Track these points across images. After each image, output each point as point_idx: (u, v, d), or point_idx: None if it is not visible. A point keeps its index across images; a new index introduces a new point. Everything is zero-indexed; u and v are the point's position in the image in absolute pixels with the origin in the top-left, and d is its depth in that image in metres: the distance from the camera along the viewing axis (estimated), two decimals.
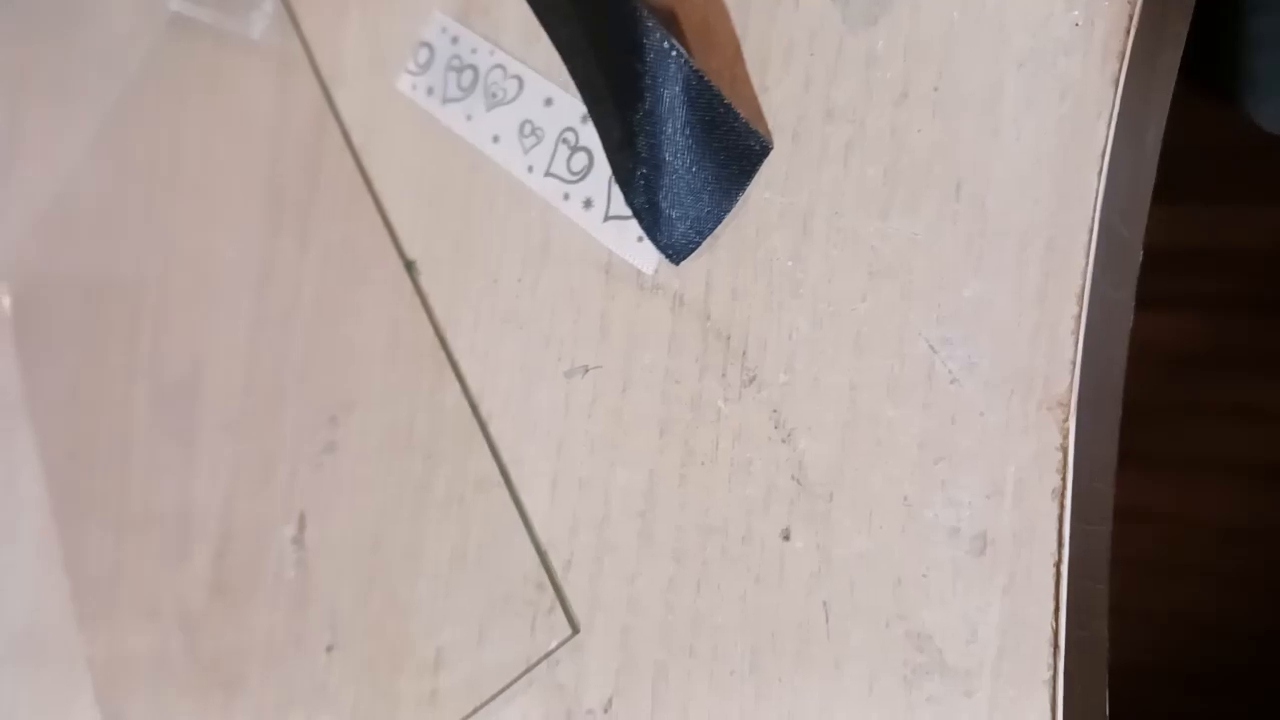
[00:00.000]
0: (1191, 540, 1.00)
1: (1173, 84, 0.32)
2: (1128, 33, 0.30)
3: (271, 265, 0.50)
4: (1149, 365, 1.02)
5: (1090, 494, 0.30)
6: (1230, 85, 0.57)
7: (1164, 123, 0.32)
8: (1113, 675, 0.31)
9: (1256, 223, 0.99)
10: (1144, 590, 0.98)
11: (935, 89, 0.33)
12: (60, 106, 0.63)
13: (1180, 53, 0.31)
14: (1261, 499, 0.97)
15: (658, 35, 0.35)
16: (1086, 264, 0.30)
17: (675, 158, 0.36)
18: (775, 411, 0.34)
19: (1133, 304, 0.32)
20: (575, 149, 0.40)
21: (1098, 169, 0.30)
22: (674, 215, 0.36)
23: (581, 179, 0.40)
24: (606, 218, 0.39)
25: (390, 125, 0.46)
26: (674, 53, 0.35)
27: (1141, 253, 0.32)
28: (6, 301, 0.63)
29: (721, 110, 0.35)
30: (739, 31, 0.37)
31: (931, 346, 0.32)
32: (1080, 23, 0.30)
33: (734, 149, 0.36)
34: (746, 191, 0.36)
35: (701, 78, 0.35)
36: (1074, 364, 0.29)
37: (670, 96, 0.35)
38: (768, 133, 0.36)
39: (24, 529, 0.59)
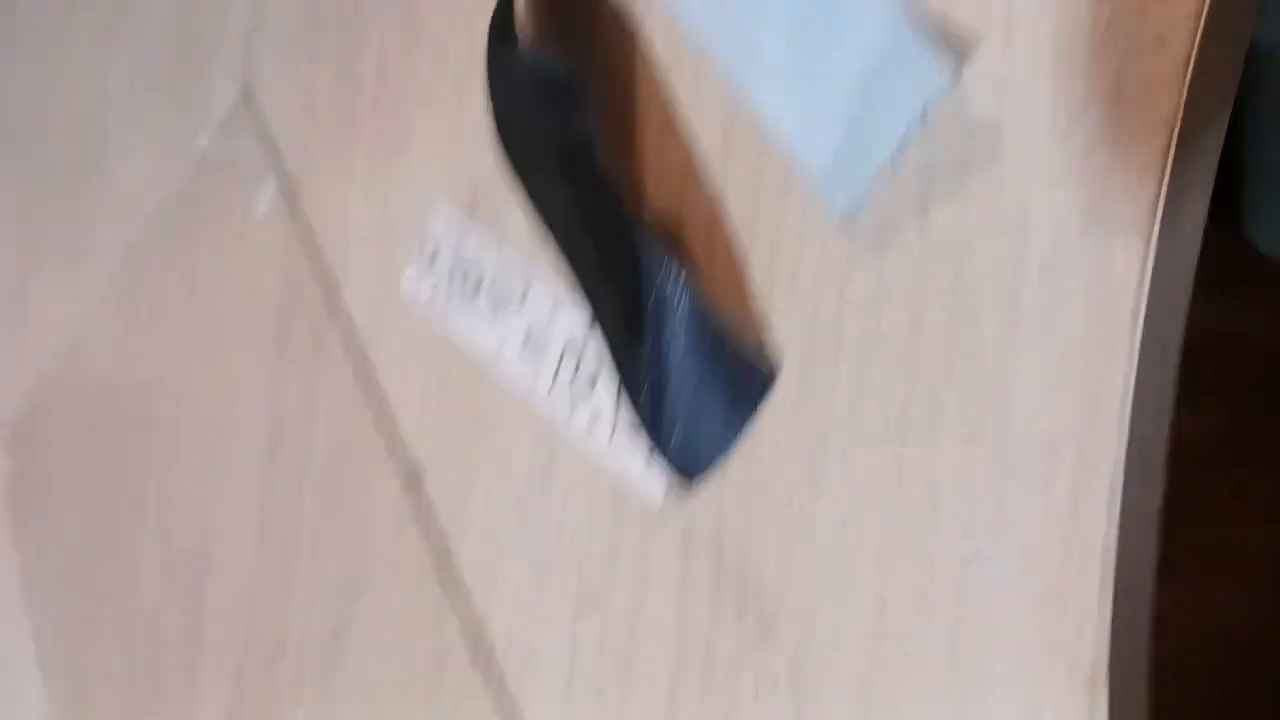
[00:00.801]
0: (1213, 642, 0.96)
1: (1192, 276, 0.29)
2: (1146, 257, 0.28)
3: (279, 442, 0.48)
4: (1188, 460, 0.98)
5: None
6: (1227, 209, 0.56)
7: (1183, 324, 0.29)
8: None
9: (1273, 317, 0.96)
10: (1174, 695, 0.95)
11: (949, 312, 0.30)
12: (69, 267, 0.62)
13: (1196, 254, 0.29)
14: None
15: (662, 262, 0.33)
16: (1117, 479, 0.27)
17: (681, 385, 0.34)
18: (797, 664, 0.32)
19: (1160, 498, 0.29)
20: (581, 361, 0.38)
21: (1125, 384, 0.27)
22: (681, 442, 0.34)
23: (587, 394, 0.38)
24: (613, 436, 0.37)
25: (396, 320, 0.45)
26: (678, 279, 0.33)
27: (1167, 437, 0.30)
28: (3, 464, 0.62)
29: (726, 338, 0.33)
30: (745, 246, 0.35)
31: (962, 562, 0.29)
32: (1100, 243, 0.28)
33: (740, 376, 0.34)
34: (757, 416, 0.34)
35: (705, 307, 0.33)
36: (1104, 584, 0.27)
37: (675, 324, 0.34)
38: (776, 356, 0.33)
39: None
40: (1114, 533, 0.28)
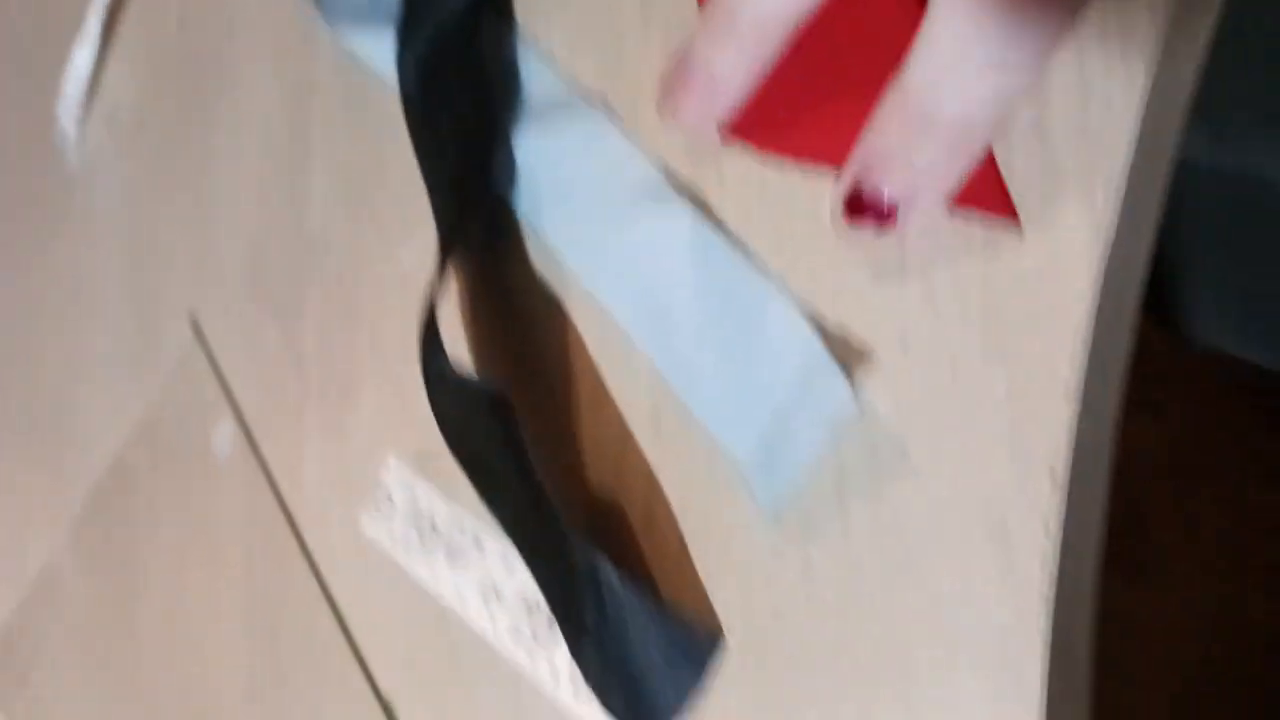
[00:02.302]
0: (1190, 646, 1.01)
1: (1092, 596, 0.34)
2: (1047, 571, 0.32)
3: (254, 699, 0.51)
4: (1141, 471, 1.03)
5: None
6: (1160, 311, 0.59)
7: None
8: None
9: None
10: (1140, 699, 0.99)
11: (873, 604, 0.34)
12: (24, 516, 0.63)
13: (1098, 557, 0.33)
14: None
15: (596, 560, 0.37)
16: None
17: (627, 660, 0.38)
18: None
19: None
20: (537, 614, 0.42)
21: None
22: (633, 711, 0.38)
23: (548, 648, 0.42)
24: (576, 691, 0.41)
25: (358, 567, 0.48)
26: (613, 576, 0.37)
27: None
28: None
29: (667, 616, 0.37)
30: (681, 525, 0.39)
31: None
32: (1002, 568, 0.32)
33: (684, 650, 0.37)
34: (704, 687, 0.37)
35: (645, 597, 0.37)
36: None
37: (613, 610, 0.37)
38: (718, 626, 0.37)
39: None
40: None
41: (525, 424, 0.39)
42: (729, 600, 0.38)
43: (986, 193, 0.32)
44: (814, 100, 0.35)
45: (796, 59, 0.34)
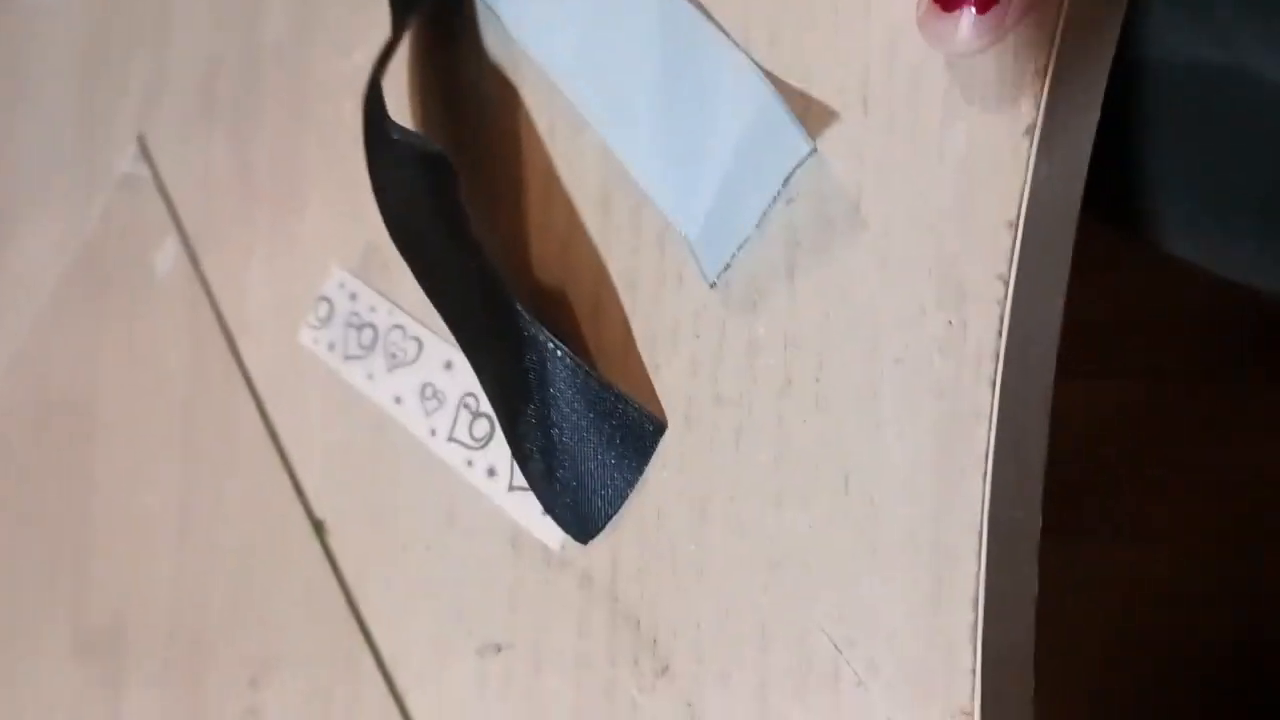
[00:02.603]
0: (1148, 609, 1.00)
1: (1054, 363, 0.32)
2: (1000, 334, 0.30)
3: (189, 515, 0.49)
4: (1092, 434, 1.02)
5: None
6: (1129, 219, 0.57)
7: (1050, 397, 0.32)
8: None
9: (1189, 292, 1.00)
10: (1107, 663, 0.98)
11: (817, 380, 0.33)
12: None
13: (1055, 344, 0.31)
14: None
15: (539, 335, 0.35)
16: (979, 567, 0.30)
17: (569, 443, 0.36)
18: (689, 705, 0.34)
19: (1035, 581, 0.32)
20: (477, 415, 0.40)
21: (981, 471, 0.30)
22: (573, 498, 0.36)
23: (484, 446, 0.40)
24: (511, 487, 0.39)
25: (296, 377, 0.46)
26: (557, 351, 0.35)
27: (1040, 520, 0.32)
28: None
29: (611, 398, 0.35)
30: (628, 310, 0.37)
31: (835, 646, 0.31)
32: (953, 322, 0.30)
33: (627, 432, 0.36)
34: (645, 472, 0.36)
35: (587, 371, 0.35)
36: (974, 672, 0.29)
37: (558, 390, 0.35)
38: (661, 413, 0.36)
39: None
40: (979, 621, 0.30)
41: (464, 188, 0.37)
42: (673, 384, 0.36)
43: None
44: None
45: None
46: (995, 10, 0.28)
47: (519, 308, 0.35)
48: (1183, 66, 0.49)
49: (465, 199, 0.37)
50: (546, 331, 0.35)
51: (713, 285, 0.35)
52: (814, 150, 0.32)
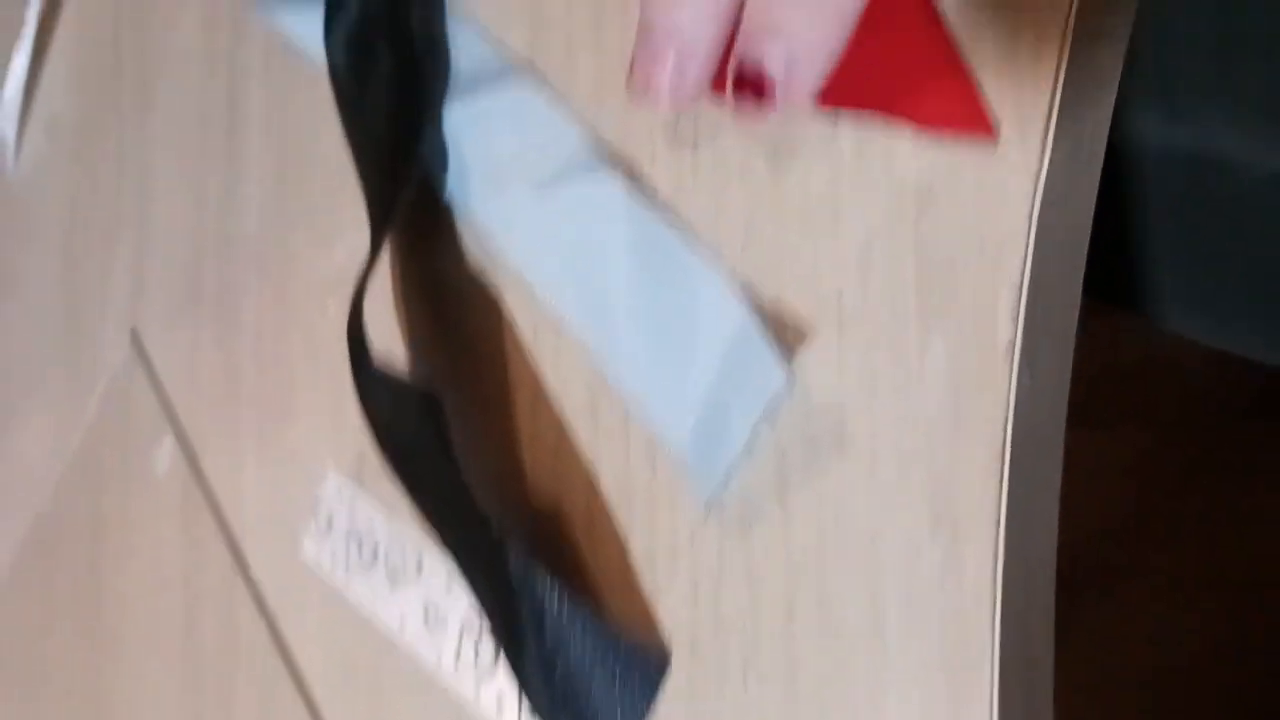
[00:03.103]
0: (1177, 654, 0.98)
1: (1054, 577, 0.31)
2: (995, 561, 0.29)
3: None
4: (1115, 484, 1.01)
5: None
6: (1124, 299, 0.57)
7: (1053, 612, 0.31)
8: None
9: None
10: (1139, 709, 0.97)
11: (818, 605, 0.32)
12: None
13: (1052, 567, 0.30)
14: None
15: (534, 571, 0.34)
16: None
17: (575, 681, 0.35)
18: None
19: None
20: (480, 641, 0.39)
21: (987, 701, 0.29)
22: None
23: (490, 674, 0.39)
24: (520, 713, 0.38)
25: (301, 587, 0.45)
26: (552, 587, 0.34)
27: None
28: None
29: (611, 632, 0.34)
30: (623, 526, 0.36)
31: None
32: (949, 551, 0.29)
33: (632, 667, 0.35)
34: (654, 702, 0.34)
35: (584, 608, 0.34)
36: None
37: (554, 627, 0.34)
38: (664, 643, 0.34)
39: None
40: None
41: (457, 422, 0.36)
42: (675, 609, 0.35)
43: (958, 106, 0.30)
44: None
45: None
46: (777, 95, 0.30)
47: (511, 550, 0.35)
48: (1161, 155, 0.49)
49: (455, 435, 0.36)
50: (543, 570, 0.34)
51: (707, 508, 0.34)
52: (790, 379, 0.31)
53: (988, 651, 0.29)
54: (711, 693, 0.34)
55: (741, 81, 0.30)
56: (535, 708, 0.36)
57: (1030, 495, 0.30)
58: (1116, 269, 0.54)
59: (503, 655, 0.36)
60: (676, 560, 0.35)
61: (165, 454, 0.51)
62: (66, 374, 0.56)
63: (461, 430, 0.37)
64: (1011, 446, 0.29)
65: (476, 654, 0.39)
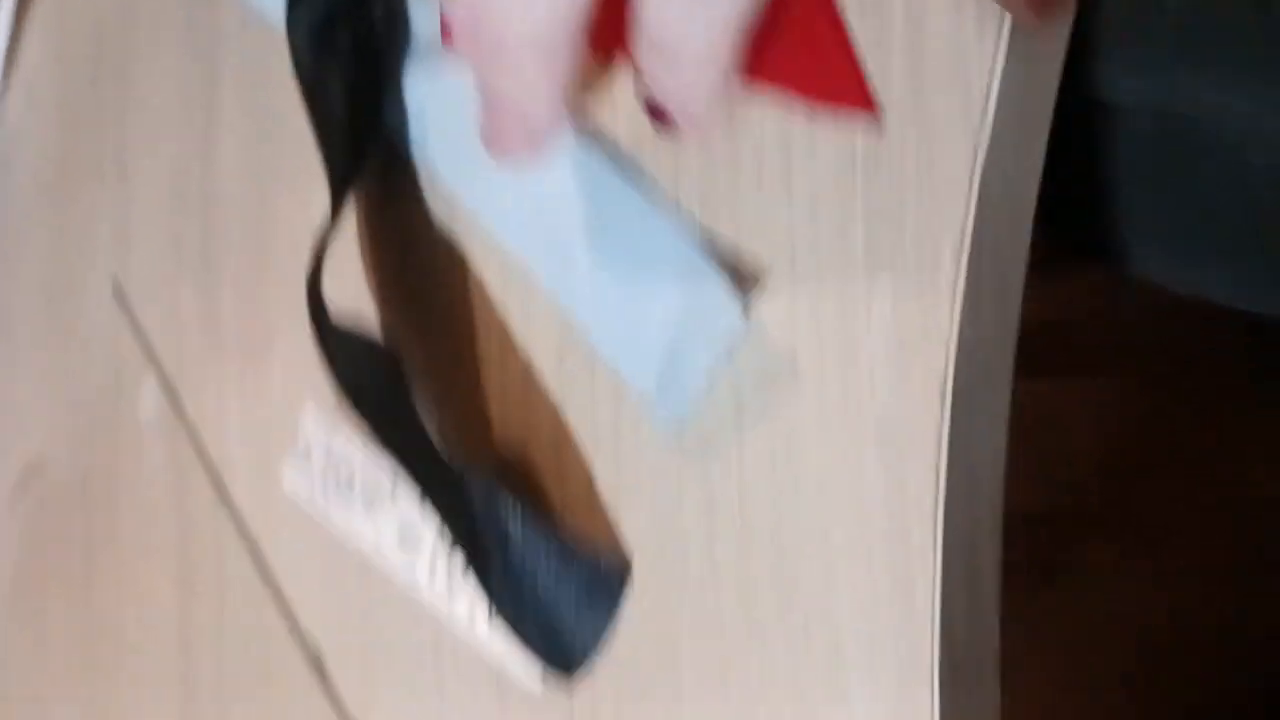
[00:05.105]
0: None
1: (999, 515, 0.34)
2: (937, 483, 0.32)
3: (190, 653, 0.51)
4: (1094, 430, 1.03)
5: None
6: (1104, 254, 0.59)
7: (998, 548, 0.34)
8: None
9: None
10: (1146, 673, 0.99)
11: (773, 527, 0.34)
12: None
13: (999, 487, 0.33)
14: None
15: (494, 493, 0.37)
16: (931, 694, 0.32)
17: (541, 595, 0.38)
18: None
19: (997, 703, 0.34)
20: (452, 557, 0.42)
21: (929, 615, 0.32)
22: (549, 650, 0.38)
23: (462, 589, 0.42)
24: (491, 624, 0.41)
25: (282, 519, 0.48)
26: (512, 508, 0.37)
27: (997, 648, 0.34)
28: None
29: (573, 549, 0.37)
30: (590, 464, 0.39)
31: None
32: (893, 472, 0.32)
33: (596, 581, 0.37)
34: (617, 614, 0.37)
35: (546, 527, 0.37)
36: None
37: (522, 546, 0.37)
38: (628, 561, 0.37)
39: None
40: None
41: (421, 377, 0.39)
42: (637, 527, 0.37)
43: (842, 84, 0.32)
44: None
45: None
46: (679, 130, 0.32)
47: (475, 482, 0.37)
48: (1132, 105, 0.51)
49: (413, 385, 0.38)
50: (504, 493, 0.37)
51: (668, 441, 0.37)
52: (746, 321, 0.34)
53: (930, 559, 0.32)
54: (671, 604, 0.37)
55: (652, 109, 0.32)
56: (504, 621, 0.39)
57: (972, 421, 0.33)
58: (1088, 221, 0.56)
59: (472, 575, 0.39)
60: (639, 490, 0.38)
61: (149, 398, 0.53)
62: (50, 326, 0.57)
63: (430, 383, 0.40)
64: (954, 381, 0.32)
65: (449, 571, 0.42)
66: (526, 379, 0.40)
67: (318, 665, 0.46)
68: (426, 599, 0.42)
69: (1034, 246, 0.34)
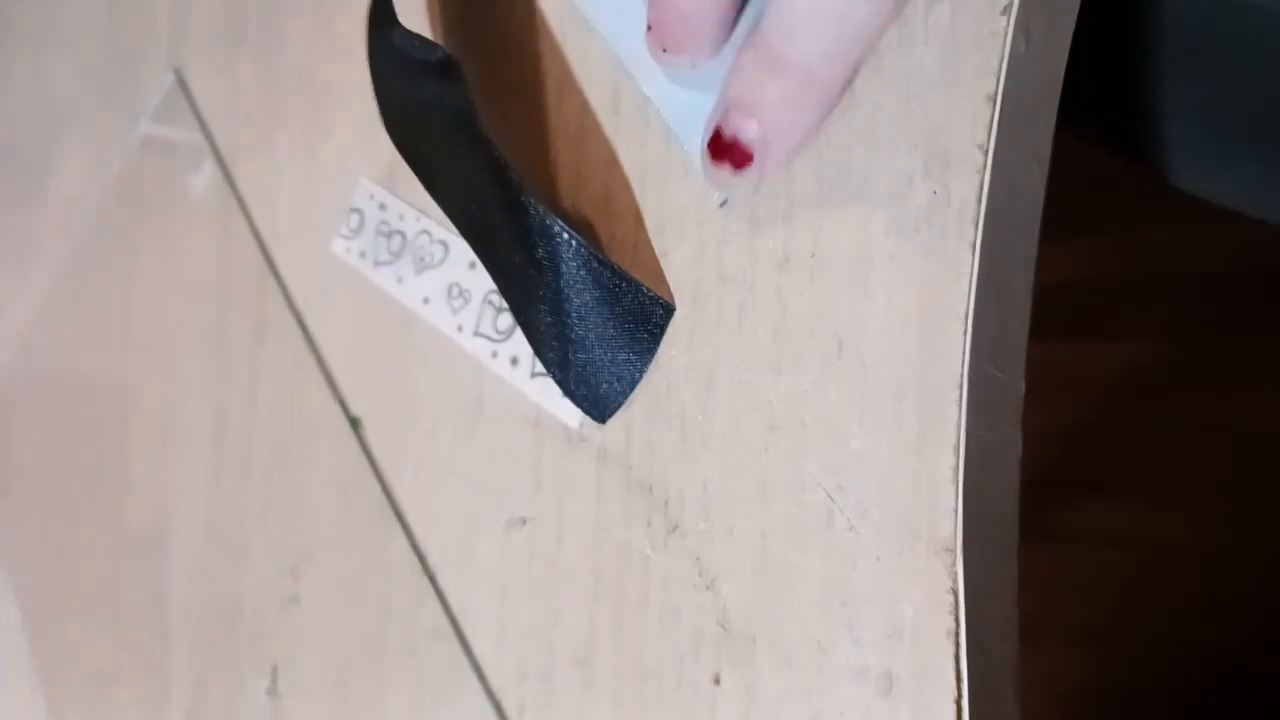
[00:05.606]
0: (1170, 562, 1.02)
1: (1036, 232, 0.34)
2: (979, 200, 0.32)
3: (225, 418, 0.52)
4: (1111, 392, 1.05)
5: (989, 623, 0.33)
6: (1133, 147, 0.59)
7: (1033, 267, 0.34)
8: (1098, 700, 0.33)
9: (1198, 246, 1.02)
10: (1126, 615, 1.00)
11: (812, 255, 0.35)
12: (17, 271, 0.65)
13: (1040, 202, 0.34)
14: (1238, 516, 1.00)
15: (552, 225, 0.38)
16: (959, 414, 0.32)
17: (583, 330, 0.38)
18: (698, 559, 0.37)
19: (1019, 438, 0.34)
20: (500, 310, 0.43)
21: (962, 327, 0.32)
22: (589, 381, 0.39)
23: (507, 338, 0.42)
24: (533, 374, 0.42)
25: (328, 285, 0.49)
26: (570, 240, 0.37)
27: (1023, 386, 0.34)
28: None
29: (622, 283, 0.38)
30: (639, 201, 0.39)
31: (829, 495, 0.34)
32: (937, 191, 0.33)
33: (639, 315, 0.38)
34: (655, 349, 0.38)
35: (599, 258, 0.38)
36: (955, 511, 0.32)
37: (570, 278, 0.38)
38: (670, 296, 0.38)
39: (3, 676, 0.61)
40: (960, 465, 0.32)
41: (473, 89, 0.39)
42: (682, 268, 0.38)
43: None
44: None
45: None
46: (751, 168, 0.33)
47: (529, 200, 0.38)
48: None
49: (474, 98, 0.39)
50: (559, 221, 0.38)
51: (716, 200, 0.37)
52: None
53: (967, 274, 0.33)
54: (709, 336, 0.37)
55: (718, 147, 0.33)
56: (545, 358, 0.40)
57: (1017, 146, 0.33)
58: (1126, 115, 0.56)
59: (514, 311, 0.40)
60: (684, 227, 0.38)
61: (204, 177, 0.55)
62: (110, 110, 0.59)
63: (486, 110, 0.41)
64: (1002, 104, 0.33)
65: (495, 323, 0.43)
66: (581, 121, 0.41)
67: (355, 425, 0.47)
68: (469, 349, 0.43)
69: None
